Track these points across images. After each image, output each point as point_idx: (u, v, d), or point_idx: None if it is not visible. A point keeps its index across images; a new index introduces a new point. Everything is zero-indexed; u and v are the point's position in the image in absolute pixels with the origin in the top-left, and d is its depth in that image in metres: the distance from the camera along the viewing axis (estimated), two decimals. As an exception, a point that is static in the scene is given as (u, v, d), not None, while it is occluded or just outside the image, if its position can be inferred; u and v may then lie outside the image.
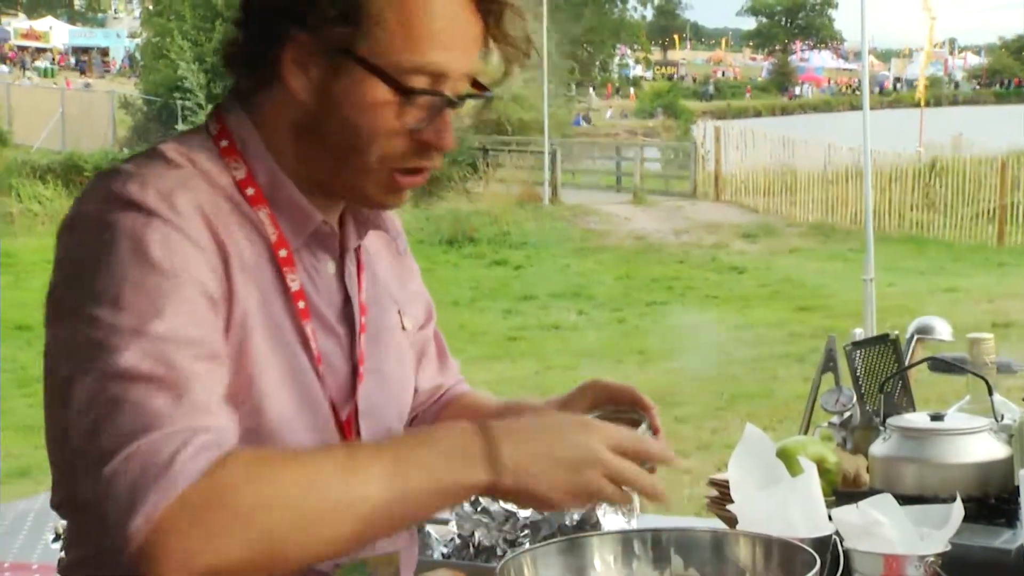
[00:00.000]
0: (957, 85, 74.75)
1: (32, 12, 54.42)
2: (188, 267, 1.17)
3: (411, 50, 1.21)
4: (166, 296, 1.14)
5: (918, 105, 29.14)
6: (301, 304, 1.27)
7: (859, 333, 2.25)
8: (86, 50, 47.63)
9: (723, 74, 72.54)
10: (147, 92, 29.04)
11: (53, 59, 46.06)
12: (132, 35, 41.24)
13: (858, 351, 2.16)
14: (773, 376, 9.03)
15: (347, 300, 1.34)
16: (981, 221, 16.89)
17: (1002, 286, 12.80)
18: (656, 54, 71.52)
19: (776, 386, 8.66)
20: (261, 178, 1.27)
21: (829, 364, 2.28)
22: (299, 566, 1.11)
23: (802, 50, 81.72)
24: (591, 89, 48.17)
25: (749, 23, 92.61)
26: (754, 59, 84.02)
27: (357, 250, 1.37)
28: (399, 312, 1.45)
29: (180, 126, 21.34)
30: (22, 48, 46.87)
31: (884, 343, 2.26)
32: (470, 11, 1.25)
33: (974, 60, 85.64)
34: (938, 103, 51.47)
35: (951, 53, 79.87)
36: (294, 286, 1.27)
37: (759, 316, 11.70)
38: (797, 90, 67.65)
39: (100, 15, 60.60)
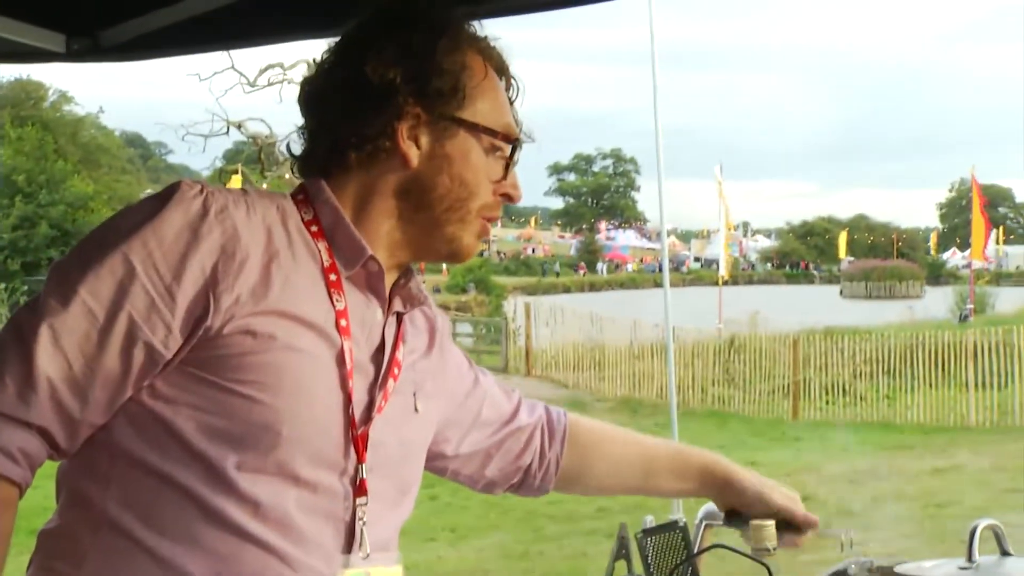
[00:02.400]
0: (753, 266, 78.96)
1: None
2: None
3: (497, 115, 1.50)
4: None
5: (716, 283, 30.64)
6: (343, 322, 1.42)
7: (650, 520, 2.32)
8: None
9: (533, 251, 74.66)
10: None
11: None
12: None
13: (649, 538, 2.23)
14: (582, 553, 9.08)
15: (381, 349, 1.47)
16: (777, 396, 17.64)
17: (798, 460, 13.29)
18: (469, 231, 73.13)
19: (585, 563, 8.71)
20: (325, 221, 1.44)
21: (622, 551, 2.34)
22: None
23: (608, 229, 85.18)
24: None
25: (557, 203, 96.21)
26: (563, 237, 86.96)
27: (399, 317, 1.52)
28: (414, 394, 1.54)
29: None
30: None
31: (673, 530, 2.33)
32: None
33: (765, 243, 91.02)
34: (735, 282, 54.14)
35: (745, 235, 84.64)
36: (339, 305, 1.41)
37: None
38: (602, 267, 70.11)
39: None
